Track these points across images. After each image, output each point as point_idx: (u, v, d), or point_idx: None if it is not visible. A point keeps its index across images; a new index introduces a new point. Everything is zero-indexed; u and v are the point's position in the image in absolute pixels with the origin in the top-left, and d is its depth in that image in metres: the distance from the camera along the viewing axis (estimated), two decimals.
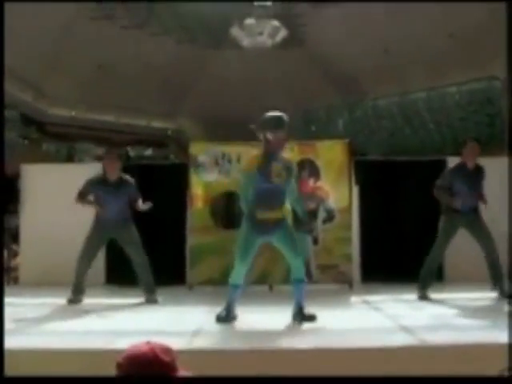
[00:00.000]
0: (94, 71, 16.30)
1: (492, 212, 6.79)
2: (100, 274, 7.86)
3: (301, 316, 5.42)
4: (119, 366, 1.88)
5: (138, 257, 6.59)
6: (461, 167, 6.75)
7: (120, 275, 7.64)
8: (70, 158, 18.10)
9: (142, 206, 6.64)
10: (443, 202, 6.72)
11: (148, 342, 1.92)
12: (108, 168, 6.68)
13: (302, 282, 5.48)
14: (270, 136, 5.32)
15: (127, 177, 6.75)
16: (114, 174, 6.64)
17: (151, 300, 6.56)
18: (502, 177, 7.49)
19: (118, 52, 15.85)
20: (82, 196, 6.68)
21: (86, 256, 6.61)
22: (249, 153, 7.45)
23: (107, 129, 19.31)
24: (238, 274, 5.47)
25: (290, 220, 5.53)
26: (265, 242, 5.53)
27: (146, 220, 7.15)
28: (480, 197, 6.70)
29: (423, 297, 6.65)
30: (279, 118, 5.38)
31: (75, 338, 4.67)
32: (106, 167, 6.73)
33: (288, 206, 5.50)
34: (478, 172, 6.76)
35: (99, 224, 6.62)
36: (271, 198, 5.35)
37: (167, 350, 1.90)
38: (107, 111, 19.36)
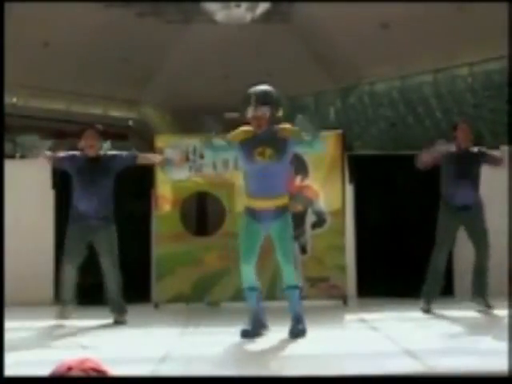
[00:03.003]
0: (39, 50, 16.19)
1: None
2: (48, 291, 7.80)
3: (294, 329, 5.52)
4: None
5: (111, 272, 6.52)
6: (452, 152, 6.90)
7: None
8: (11, 154, 17.96)
9: (154, 157, 6.58)
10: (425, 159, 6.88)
11: (70, 367, 1.99)
12: (86, 143, 6.52)
13: (296, 288, 5.57)
14: (249, 113, 5.47)
15: (111, 153, 6.64)
16: (92, 151, 6.52)
17: (121, 321, 6.54)
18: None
19: (68, 27, 15.75)
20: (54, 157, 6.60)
21: (66, 265, 6.49)
22: None
23: (56, 118, 19.22)
24: (246, 274, 5.55)
25: None
26: (265, 233, 5.61)
27: None
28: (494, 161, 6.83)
29: (427, 311, 6.77)
30: (260, 93, 5.49)
31: (21, 369, 4.64)
32: (84, 143, 6.56)
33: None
34: (473, 157, 6.87)
35: (74, 222, 6.50)
36: (259, 182, 5.48)
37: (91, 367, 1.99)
38: (56, 98, 19.25)
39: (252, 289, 5.59)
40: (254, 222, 5.54)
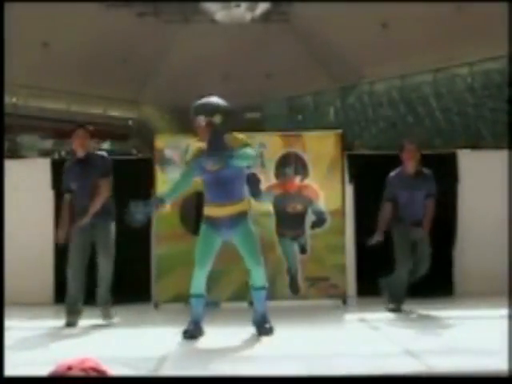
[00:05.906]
0: (38, 50, 16.18)
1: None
2: (48, 291, 7.80)
3: (262, 328, 5.60)
4: None
5: (105, 270, 6.50)
6: (400, 174, 6.97)
7: None
8: (12, 154, 17.98)
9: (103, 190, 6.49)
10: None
11: (69, 367, 2.00)
12: (75, 143, 6.59)
13: (263, 289, 5.67)
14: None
15: (100, 153, 6.66)
16: (82, 150, 6.55)
17: (106, 319, 6.54)
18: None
19: (68, 27, 15.75)
20: (64, 191, 6.59)
21: (72, 268, 6.47)
22: None
23: (56, 118, 19.20)
24: (197, 280, 5.62)
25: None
26: (225, 242, 5.72)
27: None
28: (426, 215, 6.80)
29: (397, 310, 6.81)
30: (193, 105, 5.64)
31: (21, 369, 4.63)
32: (73, 143, 6.65)
33: (251, 200, 5.61)
34: (420, 179, 6.89)
35: (75, 221, 6.52)
36: (216, 190, 5.56)
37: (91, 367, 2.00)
38: (56, 98, 19.24)
39: (199, 295, 5.63)
40: (211, 229, 5.62)
